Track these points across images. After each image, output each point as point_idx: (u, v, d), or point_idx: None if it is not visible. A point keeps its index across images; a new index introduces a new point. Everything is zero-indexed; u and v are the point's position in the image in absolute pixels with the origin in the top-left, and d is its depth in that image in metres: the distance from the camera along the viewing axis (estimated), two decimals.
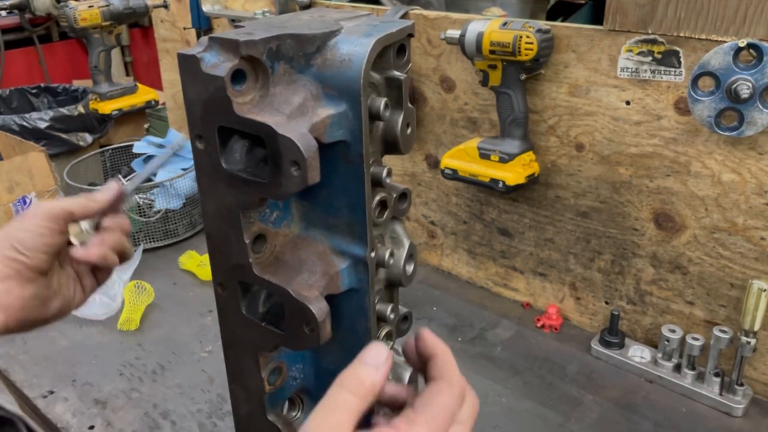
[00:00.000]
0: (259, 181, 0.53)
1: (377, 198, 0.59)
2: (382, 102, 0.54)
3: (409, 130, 0.59)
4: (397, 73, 0.57)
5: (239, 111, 0.51)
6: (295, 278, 0.59)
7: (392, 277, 0.64)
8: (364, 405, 0.47)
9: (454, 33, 1.24)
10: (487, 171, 1.27)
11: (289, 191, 0.52)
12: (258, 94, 0.53)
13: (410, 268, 0.65)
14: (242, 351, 0.67)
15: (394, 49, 0.56)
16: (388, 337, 0.67)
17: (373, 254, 0.59)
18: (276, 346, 0.65)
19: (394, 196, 0.62)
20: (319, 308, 0.57)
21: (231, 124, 0.52)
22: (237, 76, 0.52)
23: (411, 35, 0.57)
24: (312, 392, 0.71)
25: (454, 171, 1.32)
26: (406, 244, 0.64)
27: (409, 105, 0.59)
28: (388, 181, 0.58)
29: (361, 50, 0.52)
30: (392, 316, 0.63)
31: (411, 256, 0.65)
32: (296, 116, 0.53)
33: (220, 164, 0.55)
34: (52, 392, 1.19)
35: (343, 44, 0.53)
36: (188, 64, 0.52)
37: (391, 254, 0.61)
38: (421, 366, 0.52)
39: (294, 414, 0.72)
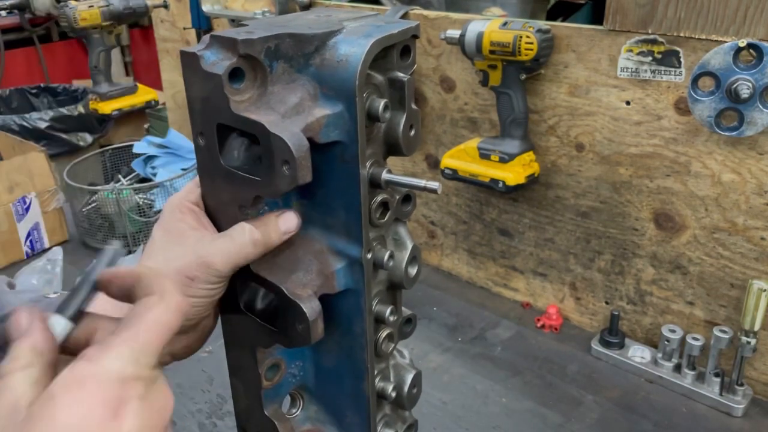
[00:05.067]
0: (253, 179, 0.54)
1: (378, 199, 0.59)
2: (381, 103, 0.54)
3: (412, 133, 0.59)
4: (400, 75, 0.56)
5: (236, 109, 0.52)
6: (290, 276, 0.59)
7: (393, 279, 0.64)
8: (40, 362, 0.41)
9: (454, 33, 1.24)
10: (487, 171, 1.27)
11: (280, 190, 0.52)
12: (257, 92, 0.53)
13: (413, 270, 0.64)
14: (241, 346, 0.68)
15: (397, 50, 0.56)
16: (389, 339, 0.67)
17: (369, 255, 0.59)
18: (272, 343, 0.65)
19: (397, 197, 0.61)
20: (311, 307, 0.57)
21: (228, 122, 0.53)
22: (236, 74, 0.52)
23: (416, 36, 0.57)
24: (312, 390, 0.72)
25: (454, 171, 1.32)
26: (409, 246, 0.64)
27: (413, 107, 0.58)
28: (399, 181, 0.57)
29: (359, 51, 0.52)
30: (392, 318, 0.63)
31: (414, 258, 0.64)
32: (291, 115, 0.53)
33: (219, 161, 0.56)
34: None
35: (342, 44, 0.53)
36: (189, 62, 0.53)
37: (391, 256, 0.61)
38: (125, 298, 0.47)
39: (294, 410, 0.72)
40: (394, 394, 0.67)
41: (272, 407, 0.70)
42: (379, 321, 0.63)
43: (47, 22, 3.44)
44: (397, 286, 0.65)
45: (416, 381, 0.70)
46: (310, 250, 0.61)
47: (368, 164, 0.57)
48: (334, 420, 0.70)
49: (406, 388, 0.69)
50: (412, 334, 0.70)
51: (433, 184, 0.54)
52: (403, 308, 0.69)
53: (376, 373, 0.67)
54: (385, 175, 0.57)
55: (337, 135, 0.54)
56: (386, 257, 0.60)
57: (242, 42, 0.51)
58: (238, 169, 0.55)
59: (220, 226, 0.61)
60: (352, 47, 0.52)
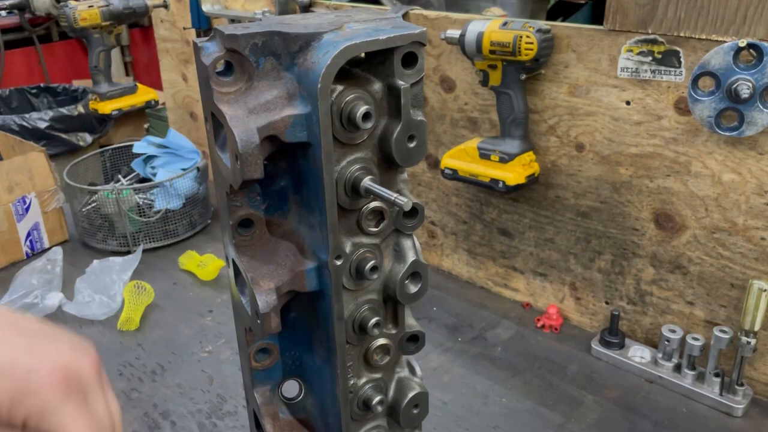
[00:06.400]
0: (227, 167, 0.56)
1: (370, 206, 0.59)
2: (361, 110, 0.53)
3: (412, 144, 0.57)
4: (398, 82, 0.55)
5: (216, 99, 0.54)
6: (262, 267, 0.60)
7: (388, 292, 0.63)
8: None
9: (454, 33, 1.24)
10: (487, 171, 1.27)
11: (236, 183, 0.54)
12: (244, 86, 0.55)
13: (414, 287, 0.63)
14: (239, 324, 0.70)
15: (398, 57, 0.54)
16: (384, 351, 0.66)
17: (339, 261, 0.58)
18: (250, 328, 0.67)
19: (397, 208, 0.60)
20: (265, 300, 0.58)
21: (213, 110, 0.55)
22: (226, 67, 0.54)
23: (421, 44, 0.55)
24: (307, 381, 0.72)
25: (454, 171, 1.32)
26: (409, 260, 0.62)
27: (417, 118, 0.56)
28: (373, 190, 0.56)
29: (329, 55, 0.52)
30: (377, 330, 0.62)
31: (415, 274, 0.63)
32: (259, 111, 0.54)
33: (213, 145, 0.59)
34: None
35: (323, 46, 0.53)
36: (196, 51, 0.55)
37: (374, 267, 0.60)
38: None
39: (293, 397, 0.73)
40: (380, 408, 0.66)
41: (263, 388, 0.71)
42: (363, 330, 0.62)
43: (47, 22, 3.44)
44: (393, 300, 0.64)
45: (418, 400, 0.68)
46: (292, 246, 0.61)
47: (353, 169, 0.56)
48: (322, 416, 0.70)
49: (403, 405, 0.68)
50: (417, 351, 0.68)
51: (402, 199, 0.53)
52: (412, 323, 0.67)
53: (364, 381, 0.66)
54: (364, 183, 0.56)
55: (305, 136, 0.54)
56: (368, 267, 0.59)
57: (228, 36, 0.53)
58: (221, 157, 0.58)
59: (220, 207, 0.63)
60: (327, 50, 0.52)
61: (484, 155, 1.28)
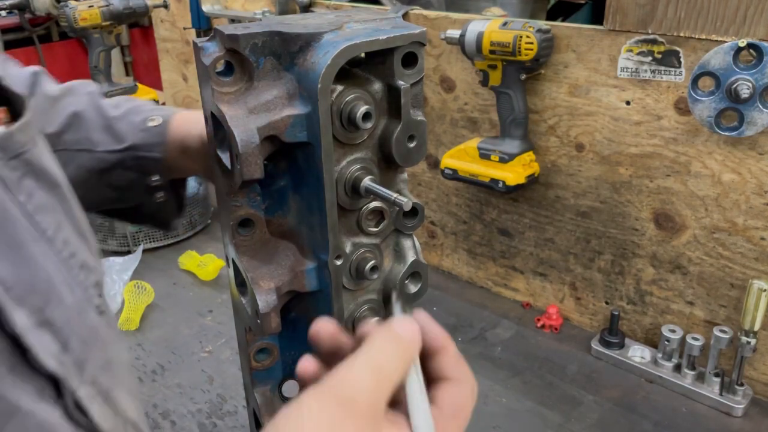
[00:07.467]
0: (227, 169, 0.56)
1: (370, 206, 0.59)
2: (361, 110, 0.53)
3: (412, 144, 0.57)
4: (398, 82, 0.55)
5: (217, 100, 0.54)
6: (262, 267, 0.60)
7: (387, 292, 0.63)
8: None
9: (454, 33, 1.24)
10: (487, 171, 1.27)
11: (236, 183, 0.54)
12: (244, 86, 0.55)
13: (414, 287, 0.63)
14: (239, 324, 0.70)
15: (398, 57, 0.54)
16: None
17: (338, 262, 0.58)
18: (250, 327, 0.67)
19: (397, 208, 0.60)
20: (265, 300, 0.58)
21: (213, 111, 0.55)
22: (226, 67, 0.54)
23: (421, 44, 0.55)
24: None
25: (454, 171, 1.32)
26: (409, 260, 0.62)
27: (417, 118, 0.56)
28: (374, 190, 0.56)
29: (329, 55, 0.52)
30: None
31: (416, 274, 0.63)
32: (259, 111, 0.54)
33: (213, 146, 0.59)
34: None
35: (323, 46, 0.53)
36: (195, 52, 0.55)
37: (375, 267, 0.60)
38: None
39: (293, 398, 0.73)
40: None
41: (263, 389, 0.71)
42: None
43: (47, 22, 3.44)
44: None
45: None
46: (293, 246, 0.61)
47: (353, 169, 0.56)
48: None
49: None
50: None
51: (402, 199, 0.53)
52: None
53: None
54: (364, 183, 0.56)
55: (305, 136, 0.54)
56: (368, 267, 0.59)
57: (228, 36, 0.52)
58: (221, 157, 0.58)
59: (220, 207, 0.64)
60: (327, 50, 0.52)
61: (484, 155, 1.28)
